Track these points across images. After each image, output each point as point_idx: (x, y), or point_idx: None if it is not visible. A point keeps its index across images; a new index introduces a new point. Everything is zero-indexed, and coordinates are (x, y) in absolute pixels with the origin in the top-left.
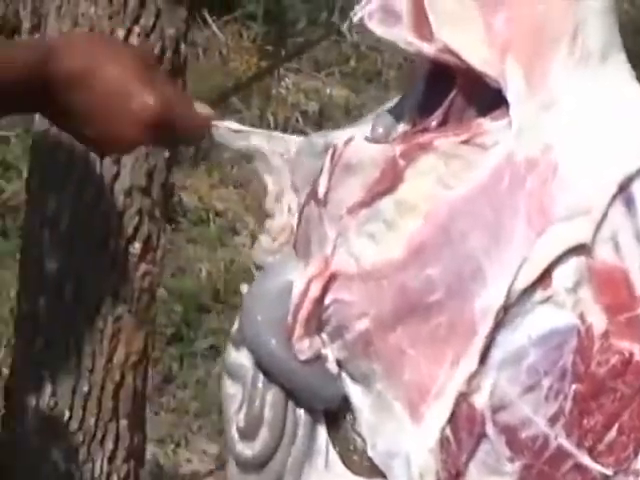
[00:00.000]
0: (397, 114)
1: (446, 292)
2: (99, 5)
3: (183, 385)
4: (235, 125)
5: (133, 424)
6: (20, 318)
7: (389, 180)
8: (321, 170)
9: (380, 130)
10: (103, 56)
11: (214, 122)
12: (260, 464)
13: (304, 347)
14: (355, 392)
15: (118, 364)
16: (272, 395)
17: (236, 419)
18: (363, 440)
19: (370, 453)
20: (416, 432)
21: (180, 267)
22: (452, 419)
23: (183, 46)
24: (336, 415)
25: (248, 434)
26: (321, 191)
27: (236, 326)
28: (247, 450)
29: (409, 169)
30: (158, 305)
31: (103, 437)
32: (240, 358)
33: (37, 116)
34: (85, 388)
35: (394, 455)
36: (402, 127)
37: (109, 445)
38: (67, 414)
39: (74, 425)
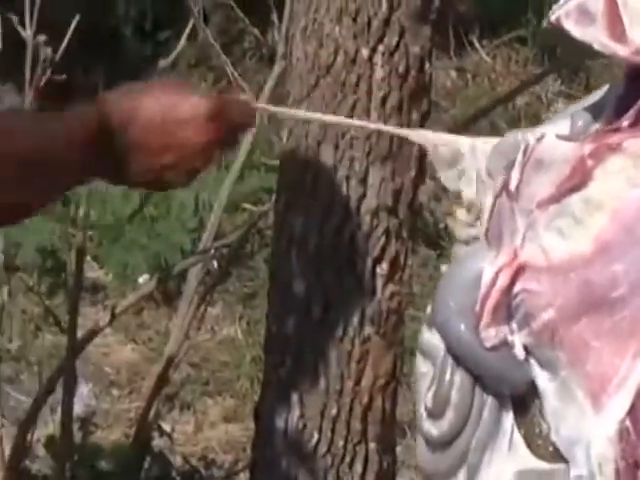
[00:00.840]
0: (595, 112)
1: (630, 288)
2: (343, 25)
3: None
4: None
5: (382, 447)
6: (269, 339)
7: (578, 178)
8: (514, 164)
9: (578, 126)
10: (142, 93)
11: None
12: (446, 443)
13: (491, 335)
14: (541, 377)
15: (366, 386)
16: (459, 378)
17: (425, 398)
18: (548, 425)
19: (553, 438)
20: (597, 421)
21: None
22: (632, 410)
23: (428, 65)
24: (523, 399)
25: (435, 413)
26: (513, 185)
27: (430, 308)
28: (433, 429)
29: (598, 168)
30: (407, 326)
31: (352, 460)
32: (433, 339)
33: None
34: (334, 410)
35: (575, 442)
36: (598, 125)
37: (358, 468)
38: (316, 436)
39: (323, 448)
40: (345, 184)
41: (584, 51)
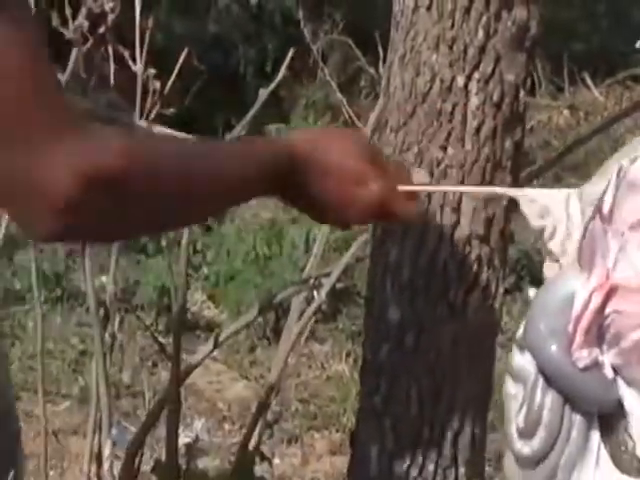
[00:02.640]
0: None
1: None
2: (440, 53)
3: None
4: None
5: (472, 472)
6: (364, 367)
7: None
8: (607, 187)
9: None
10: (338, 149)
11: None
12: (537, 461)
13: (583, 355)
14: (628, 396)
15: (457, 412)
16: (550, 399)
17: (516, 419)
18: (633, 441)
19: (638, 452)
20: None
21: None
22: None
23: (522, 93)
24: (610, 417)
25: (527, 433)
26: (606, 207)
27: (521, 331)
28: (525, 448)
29: None
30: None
31: None
32: (523, 362)
33: None
34: (425, 435)
35: None
36: None
37: None
38: (408, 461)
39: (414, 472)
40: (439, 213)
41: None
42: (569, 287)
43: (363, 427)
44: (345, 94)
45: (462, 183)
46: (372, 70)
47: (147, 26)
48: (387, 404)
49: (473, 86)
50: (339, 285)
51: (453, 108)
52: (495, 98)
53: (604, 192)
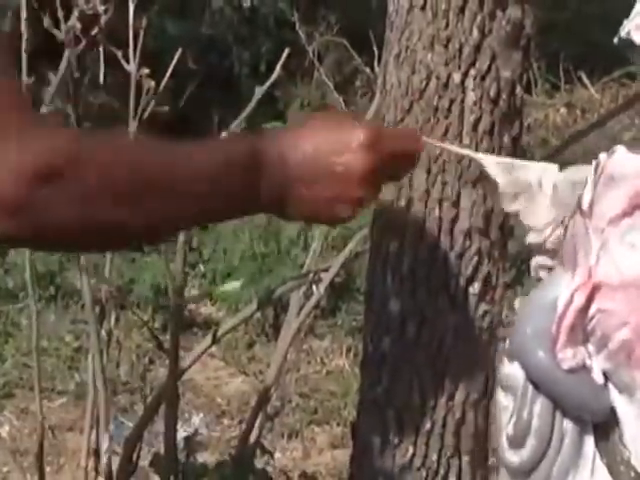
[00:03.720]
0: None
1: None
2: (435, 52)
3: None
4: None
5: (475, 461)
6: (365, 358)
7: None
8: (586, 183)
9: None
10: (300, 127)
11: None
12: (527, 471)
13: (568, 356)
14: (620, 402)
15: (459, 402)
16: (540, 405)
17: (506, 429)
18: (629, 451)
19: (633, 462)
20: None
21: None
22: None
23: (519, 89)
24: (604, 426)
25: (516, 442)
26: (586, 203)
27: (508, 340)
28: (515, 457)
29: None
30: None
31: (446, 473)
32: (512, 370)
33: None
34: (428, 426)
35: None
36: None
37: None
38: (411, 451)
39: (417, 462)
40: (438, 207)
41: None
42: (555, 292)
43: (365, 419)
44: (341, 94)
45: (460, 179)
46: (368, 70)
47: (141, 27)
48: (389, 396)
49: (469, 82)
50: (338, 281)
51: (450, 104)
52: (492, 94)
53: (583, 188)
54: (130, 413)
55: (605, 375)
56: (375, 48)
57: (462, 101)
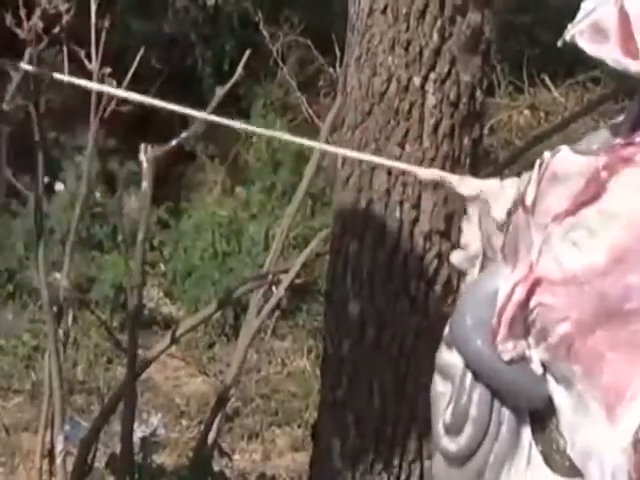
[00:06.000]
0: (614, 130)
1: None
2: (396, 54)
3: None
4: None
5: None
6: (325, 361)
7: (593, 190)
8: (529, 179)
9: (595, 142)
10: None
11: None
12: (463, 458)
13: (508, 348)
14: (558, 393)
15: (421, 406)
16: (478, 394)
17: (443, 416)
18: (564, 440)
19: (569, 452)
20: (611, 433)
21: None
22: None
23: (479, 92)
24: (541, 416)
25: (453, 429)
26: (529, 200)
27: (448, 327)
28: (451, 444)
29: (612, 181)
30: None
31: (407, 478)
32: (452, 358)
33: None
34: (389, 430)
35: (590, 455)
36: (618, 140)
37: None
38: (371, 455)
39: (379, 465)
40: (399, 209)
41: None
42: (495, 282)
43: (325, 421)
44: (304, 93)
45: (421, 181)
46: (331, 70)
47: (103, 26)
48: (349, 399)
49: (430, 86)
50: (299, 281)
51: (410, 107)
52: (452, 97)
53: (527, 184)
54: (87, 413)
55: (544, 365)
56: (338, 49)
57: (422, 104)
